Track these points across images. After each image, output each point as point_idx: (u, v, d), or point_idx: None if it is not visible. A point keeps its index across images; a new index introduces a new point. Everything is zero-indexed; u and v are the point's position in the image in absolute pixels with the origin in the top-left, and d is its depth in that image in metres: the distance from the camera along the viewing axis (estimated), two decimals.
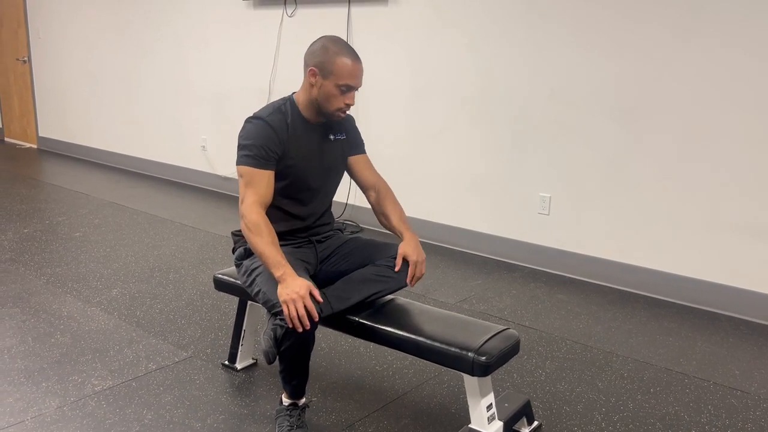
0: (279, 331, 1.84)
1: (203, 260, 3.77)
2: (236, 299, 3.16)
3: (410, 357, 2.61)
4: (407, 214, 4.21)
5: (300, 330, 1.80)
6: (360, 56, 2.05)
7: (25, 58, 7.29)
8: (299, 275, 1.88)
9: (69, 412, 2.19)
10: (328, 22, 4.49)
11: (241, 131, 2.04)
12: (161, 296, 3.22)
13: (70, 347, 2.65)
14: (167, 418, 2.18)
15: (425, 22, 4.01)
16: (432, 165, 4.13)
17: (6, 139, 8.01)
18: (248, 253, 2.11)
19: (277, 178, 2.05)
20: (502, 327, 1.99)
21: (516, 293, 3.39)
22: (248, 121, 2.04)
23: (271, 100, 4.96)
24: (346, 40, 4.39)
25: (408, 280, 2.07)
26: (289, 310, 1.78)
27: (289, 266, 1.87)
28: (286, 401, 2.06)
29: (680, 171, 3.23)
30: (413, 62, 4.09)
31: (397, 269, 2.06)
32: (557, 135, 3.59)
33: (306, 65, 2.03)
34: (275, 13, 4.79)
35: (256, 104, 5.07)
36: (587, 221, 3.56)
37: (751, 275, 3.10)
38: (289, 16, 4.72)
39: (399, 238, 2.19)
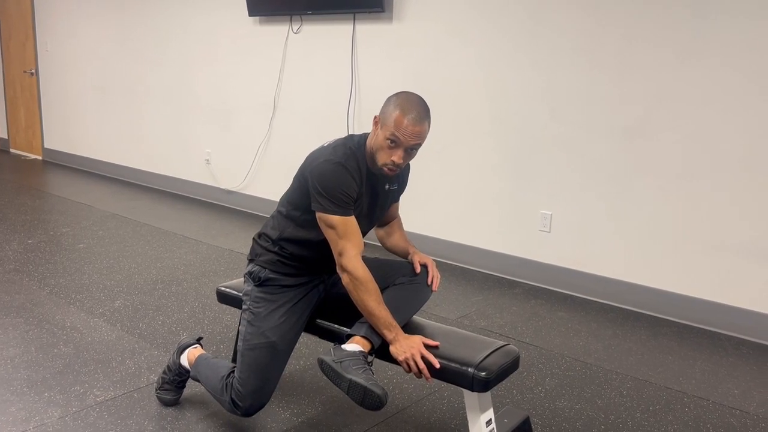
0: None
1: (205, 273, 3.79)
2: (238, 312, 3.18)
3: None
4: (409, 230, 4.23)
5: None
6: (424, 116, 1.92)
7: (32, 71, 7.36)
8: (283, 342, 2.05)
9: (71, 422, 2.21)
10: (334, 39, 4.54)
11: (319, 175, 1.93)
12: (164, 308, 3.24)
13: (72, 358, 2.67)
14: (169, 429, 2.19)
15: (429, 40, 4.06)
16: (434, 181, 4.16)
17: (11, 150, 8.07)
18: (263, 281, 2.09)
19: None
20: (502, 343, 2.01)
21: (516, 310, 3.41)
22: (327, 163, 1.94)
23: (275, 116, 5.01)
24: (350, 56, 4.45)
25: (429, 282, 2.13)
26: (410, 367, 1.88)
27: (399, 327, 1.93)
28: (184, 364, 2.28)
29: (681, 191, 3.25)
30: (417, 79, 4.14)
31: (418, 271, 2.13)
32: (559, 153, 3.62)
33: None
34: (281, 30, 4.85)
35: (260, 119, 5.12)
36: (588, 239, 3.58)
37: (751, 295, 3.12)
38: (295, 33, 4.78)
39: (402, 255, 2.24)
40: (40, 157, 7.60)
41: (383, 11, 4.18)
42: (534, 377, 2.68)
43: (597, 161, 3.50)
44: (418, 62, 4.13)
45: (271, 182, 5.17)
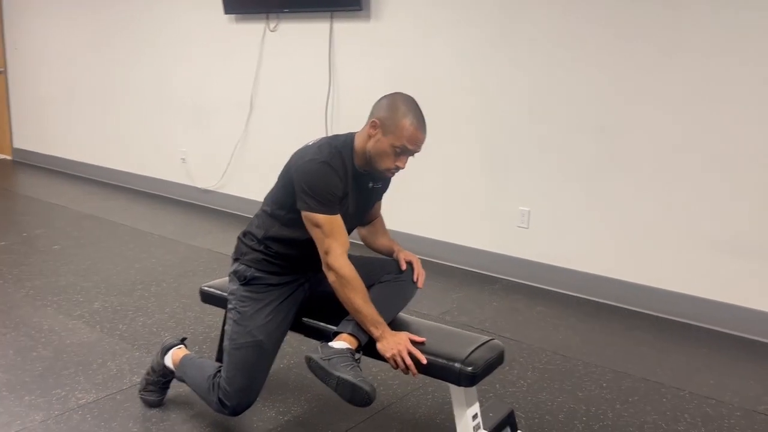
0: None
1: (185, 273, 3.76)
2: (220, 312, 3.17)
3: (393, 369, 2.63)
4: (390, 227, 4.24)
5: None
6: (424, 121, 2.01)
7: (1, 69, 7.21)
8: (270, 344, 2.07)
9: (54, 425, 2.18)
10: (311, 37, 4.54)
11: (304, 174, 1.94)
12: (144, 309, 3.21)
13: (52, 360, 2.64)
14: (154, 430, 2.18)
15: (407, 39, 4.07)
16: (413, 179, 4.18)
17: None
18: (249, 280, 2.08)
19: None
20: (487, 338, 2.04)
21: (497, 305, 3.45)
22: (312, 162, 1.94)
23: (252, 115, 4.99)
24: (328, 54, 4.45)
25: (415, 279, 2.17)
26: (397, 363, 1.90)
27: (386, 324, 1.94)
28: (169, 365, 2.26)
29: (656, 187, 3.32)
30: (395, 78, 4.15)
31: (403, 268, 2.16)
32: (537, 150, 3.67)
33: (371, 115, 1.99)
34: (257, 28, 4.83)
35: (237, 118, 5.09)
36: (566, 235, 3.64)
37: (724, 288, 3.20)
38: (272, 31, 4.76)
39: (387, 253, 2.26)
40: (9, 157, 7.45)
41: (361, 9, 4.19)
42: (516, 371, 2.72)
43: (574, 158, 3.55)
44: (396, 61, 4.15)
45: (248, 181, 5.14)
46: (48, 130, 6.89)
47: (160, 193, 5.83)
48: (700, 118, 3.15)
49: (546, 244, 3.71)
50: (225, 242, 4.41)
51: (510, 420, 2.16)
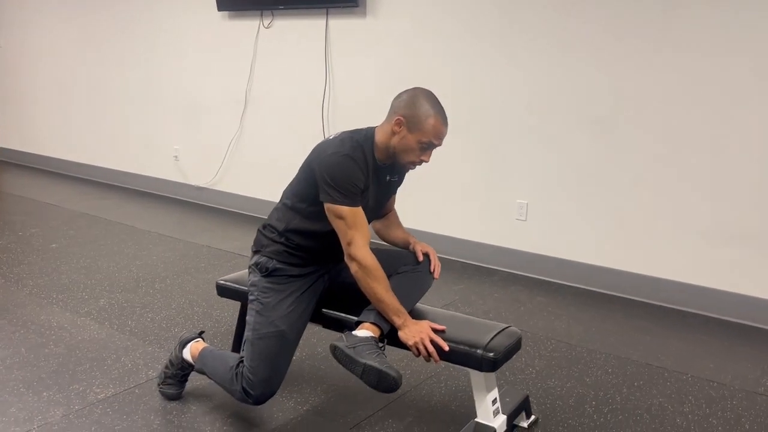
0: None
1: (187, 269, 3.77)
2: (228, 306, 3.19)
3: (406, 358, 2.69)
4: None
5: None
6: (446, 115, 2.07)
7: None
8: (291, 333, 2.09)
9: (75, 420, 2.20)
10: (306, 34, 4.56)
11: (328, 166, 1.99)
12: (150, 305, 3.22)
13: (65, 357, 2.64)
14: (176, 423, 2.21)
15: (403, 35, 4.12)
16: (413, 174, 4.22)
17: None
18: (271, 271, 2.12)
19: None
20: (504, 325, 2.10)
21: (498, 296, 3.52)
22: (336, 155, 1.99)
23: (246, 112, 5.00)
24: (324, 51, 4.48)
25: (432, 270, 2.22)
26: (420, 351, 1.95)
27: (407, 313, 2.00)
28: (187, 358, 2.29)
29: (651, 178, 3.41)
30: (391, 74, 4.20)
31: (420, 259, 2.21)
32: (534, 144, 3.74)
33: (393, 112, 2.03)
34: (251, 25, 4.84)
35: (231, 115, 5.10)
36: (562, 226, 3.72)
37: (718, 276, 3.30)
38: (266, 28, 4.78)
39: (403, 245, 2.31)
40: None
41: (357, 6, 4.22)
42: (523, 359, 2.78)
43: (571, 152, 3.63)
44: (392, 57, 4.19)
45: (243, 178, 5.15)
46: (35, 129, 6.81)
47: (152, 191, 5.81)
48: (694, 114, 3.24)
49: (544, 235, 3.78)
50: (223, 239, 4.42)
51: (525, 405, 2.23)
